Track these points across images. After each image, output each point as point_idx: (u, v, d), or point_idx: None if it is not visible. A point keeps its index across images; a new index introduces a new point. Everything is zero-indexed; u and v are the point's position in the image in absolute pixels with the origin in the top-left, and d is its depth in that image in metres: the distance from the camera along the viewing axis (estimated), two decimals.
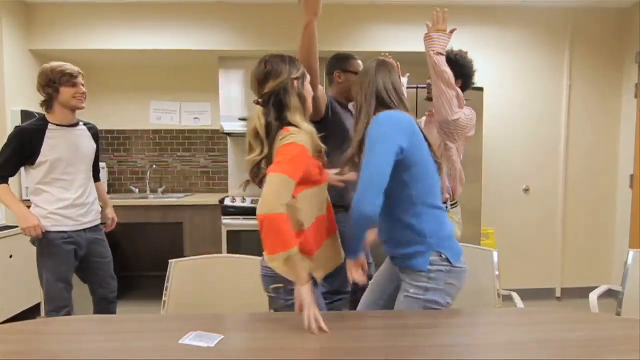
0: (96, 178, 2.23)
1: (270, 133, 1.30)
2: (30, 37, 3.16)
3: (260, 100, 1.33)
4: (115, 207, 3.17)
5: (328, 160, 1.47)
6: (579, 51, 3.35)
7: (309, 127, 1.33)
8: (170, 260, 1.56)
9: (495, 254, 1.67)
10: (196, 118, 3.77)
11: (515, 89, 3.37)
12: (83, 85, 1.97)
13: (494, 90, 3.28)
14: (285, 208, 1.18)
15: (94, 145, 2.12)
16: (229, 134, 3.51)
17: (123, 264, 3.70)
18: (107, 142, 3.74)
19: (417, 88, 2.93)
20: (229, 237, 3.06)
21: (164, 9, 3.19)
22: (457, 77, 1.93)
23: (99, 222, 2.14)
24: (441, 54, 1.80)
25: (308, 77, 1.41)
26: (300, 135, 1.27)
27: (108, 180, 3.66)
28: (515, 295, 1.67)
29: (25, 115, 2.89)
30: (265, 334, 1.22)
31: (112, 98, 3.70)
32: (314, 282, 1.35)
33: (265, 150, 1.30)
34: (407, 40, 3.26)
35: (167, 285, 1.50)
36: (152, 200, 3.29)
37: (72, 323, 1.34)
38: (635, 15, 3.24)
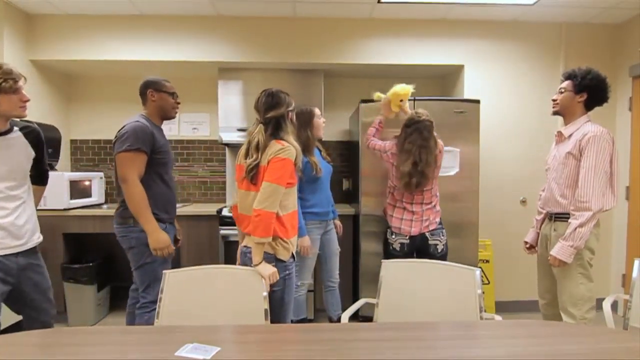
0: (40, 181, 1.97)
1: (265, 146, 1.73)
2: (31, 47, 3.18)
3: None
4: (112, 217, 3.16)
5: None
6: (573, 65, 3.34)
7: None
8: (163, 271, 1.55)
9: (478, 273, 1.56)
10: (195, 128, 3.78)
11: (511, 102, 3.40)
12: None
13: (490, 103, 3.32)
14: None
15: (32, 153, 1.82)
16: (227, 144, 3.52)
17: (118, 274, 3.66)
18: (105, 151, 3.74)
19: (414, 100, 2.97)
20: (226, 247, 3.04)
21: (164, 20, 3.23)
22: (583, 90, 2.12)
23: (35, 244, 1.83)
24: None
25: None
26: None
27: (106, 190, 3.65)
28: (498, 318, 1.62)
29: None
30: (262, 345, 1.21)
31: (111, 108, 3.70)
32: (292, 256, 1.79)
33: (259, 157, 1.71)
34: (404, 53, 3.32)
35: (161, 296, 1.49)
36: None
37: (64, 335, 1.31)
38: (628, 30, 3.30)
